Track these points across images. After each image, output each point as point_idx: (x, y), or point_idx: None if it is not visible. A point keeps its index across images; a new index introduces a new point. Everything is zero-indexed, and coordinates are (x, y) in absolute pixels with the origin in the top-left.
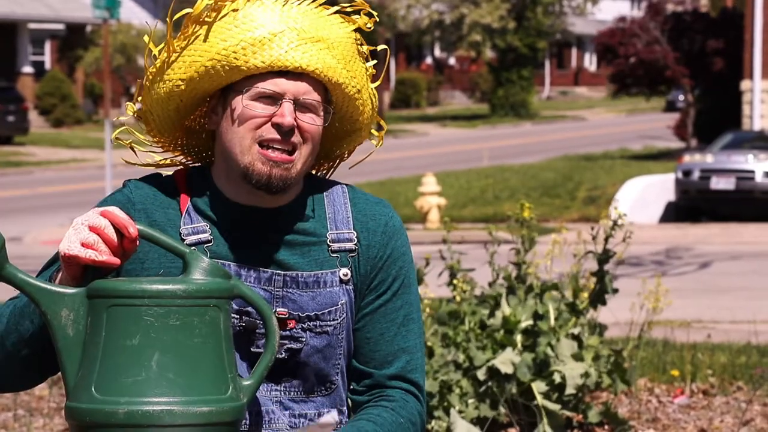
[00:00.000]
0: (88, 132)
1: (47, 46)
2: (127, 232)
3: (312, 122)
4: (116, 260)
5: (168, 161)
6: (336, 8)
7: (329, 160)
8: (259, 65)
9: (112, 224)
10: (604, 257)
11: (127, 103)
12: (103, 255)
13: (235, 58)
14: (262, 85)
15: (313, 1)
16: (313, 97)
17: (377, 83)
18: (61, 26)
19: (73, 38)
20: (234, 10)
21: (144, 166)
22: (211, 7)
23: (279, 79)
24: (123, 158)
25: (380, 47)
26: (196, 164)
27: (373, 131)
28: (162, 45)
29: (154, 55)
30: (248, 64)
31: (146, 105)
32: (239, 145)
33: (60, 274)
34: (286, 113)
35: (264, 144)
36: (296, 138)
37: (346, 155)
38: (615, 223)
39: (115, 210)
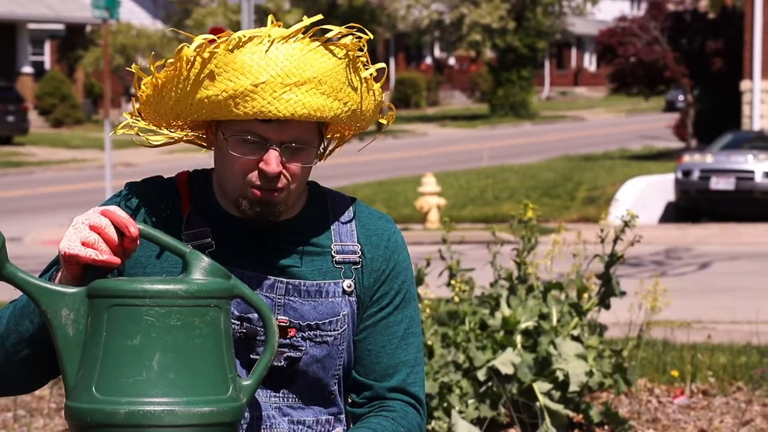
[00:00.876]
0: (88, 132)
1: (47, 46)
2: (128, 231)
3: (299, 166)
4: (117, 259)
5: (177, 139)
6: (324, 39)
7: (335, 139)
8: (242, 116)
9: (112, 223)
10: (612, 260)
11: (125, 113)
12: (103, 254)
13: (218, 108)
14: (247, 132)
15: (300, 38)
16: (301, 140)
17: (381, 82)
18: (60, 26)
19: (73, 38)
20: (215, 55)
21: (154, 146)
22: (194, 54)
23: (264, 125)
24: (134, 139)
25: (378, 66)
26: (197, 169)
27: (380, 118)
28: (149, 78)
29: (144, 82)
30: (231, 115)
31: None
32: (231, 181)
33: (60, 274)
34: (272, 162)
35: (254, 185)
36: (283, 181)
37: (348, 140)
38: (626, 224)
39: (115, 209)
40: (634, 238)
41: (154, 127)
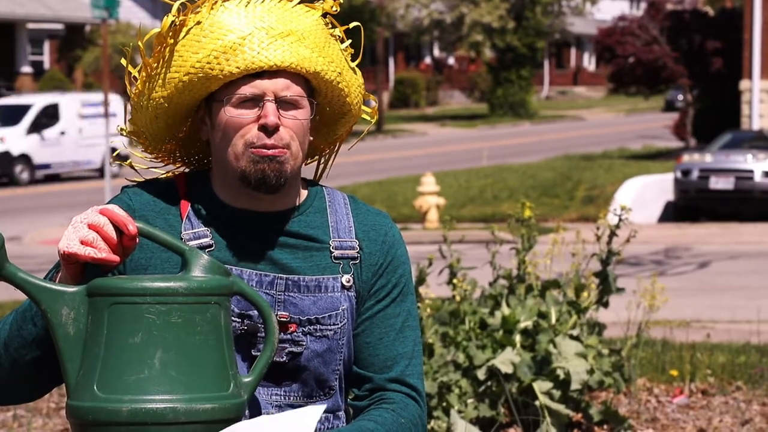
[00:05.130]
0: None
1: (46, 46)
2: (127, 229)
3: (296, 118)
4: (115, 258)
5: (171, 174)
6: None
7: (329, 145)
8: (234, 71)
9: (111, 222)
10: (608, 258)
11: (118, 125)
12: (102, 252)
13: (210, 69)
14: (241, 90)
15: None
16: (293, 92)
17: (357, 61)
18: (60, 26)
19: (72, 38)
20: (199, 22)
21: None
22: (177, 24)
23: (256, 80)
24: (127, 178)
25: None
26: (194, 169)
27: (365, 108)
28: (139, 66)
29: (134, 76)
30: (224, 72)
31: (137, 125)
32: (232, 152)
33: (60, 274)
34: (270, 113)
35: (255, 146)
36: (284, 135)
37: (344, 135)
38: (620, 219)
39: (114, 208)
40: (630, 234)
41: (146, 155)
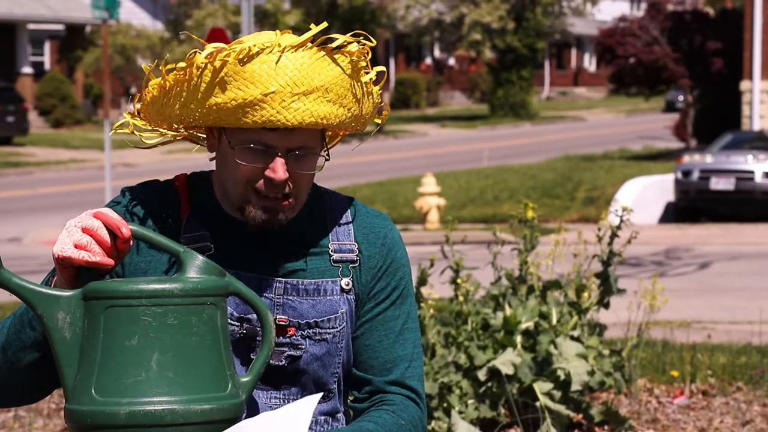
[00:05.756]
0: (88, 132)
1: (47, 47)
2: (120, 232)
3: (306, 171)
4: (110, 261)
5: (171, 136)
6: (330, 48)
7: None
8: (250, 125)
9: (104, 225)
10: (609, 258)
11: (125, 114)
12: (96, 256)
13: (226, 115)
14: (253, 139)
15: (308, 47)
16: (306, 147)
17: (380, 86)
18: (60, 27)
19: (73, 39)
20: (226, 63)
21: (148, 146)
22: (205, 61)
23: (271, 133)
24: (129, 141)
25: (377, 69)
26: (196, 170)
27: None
28: (157, 80)
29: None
30: (239, 123)
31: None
32: (234, 189)
33: (55, 279)
34: (279, 169)
35: (260, 194)
36: (290, 188)
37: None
38: (621, 219)
39: (107, 211)
40: (632, 235)
41: (150, 128)
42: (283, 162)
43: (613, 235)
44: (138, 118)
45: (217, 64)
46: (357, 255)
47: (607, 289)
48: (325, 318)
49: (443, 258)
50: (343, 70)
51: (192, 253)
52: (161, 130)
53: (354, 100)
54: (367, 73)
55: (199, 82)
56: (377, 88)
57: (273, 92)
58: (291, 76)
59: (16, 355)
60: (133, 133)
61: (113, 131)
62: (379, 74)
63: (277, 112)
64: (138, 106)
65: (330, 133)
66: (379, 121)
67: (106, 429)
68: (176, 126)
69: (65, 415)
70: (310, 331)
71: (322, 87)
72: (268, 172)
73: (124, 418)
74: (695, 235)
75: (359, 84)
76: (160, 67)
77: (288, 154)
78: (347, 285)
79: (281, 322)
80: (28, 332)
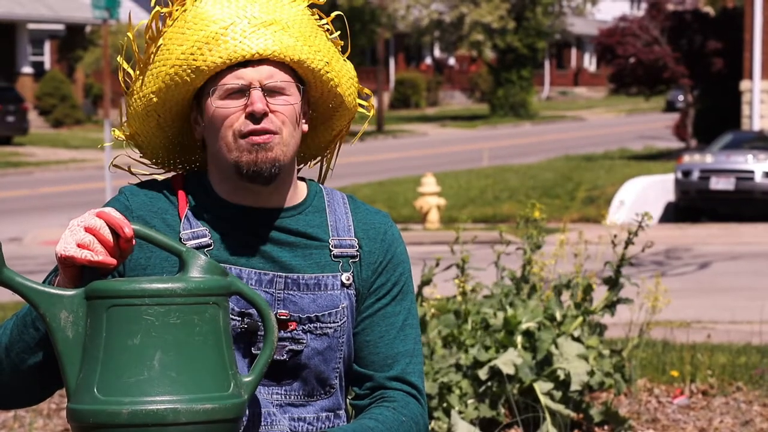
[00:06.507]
0: (88, 132)
1: (47, 47)
2: (122, 232)
3: (284, 104)
4: (112, 260)
5: (168, 169)
6: None
7: (329, 143)
8: (217, 61)
9: (107, 225)
10: (620, 264)
11: (113, 129)
12: (98, 255)
13: (194, 60)
14: (226, 81)
15: None
16: (279, 78)
17: (347, 54)
18: (60, 26)
19: (73, 38)
20: (183, 11)
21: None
22: (163, 16)
23: (241, 70)
24: (129, 182)
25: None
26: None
27: (360, 101)
28: (132, 61)
29: (128, 72)
30: (207, 63)
31: (132, 127)
32: (224, 144)
33: (58, 278)
34: (256, 100)
35: (245, 135)
36: (272, 122)
37: (344, 131)
38: (640, 225)
39: (110, 210)
40: (646, 244)
41: (146, 161)
42: (260, 94)
43: (628, 242)
44: (130, 144)
45: (175, 13)
46: (357, 250)
47: (616, 294)
48: (326, 312)
49: (448, 256)
50: (300, 9)
51: (194, 253)
52: (157, 174)
53: (321, 46)
54: (330, 32)
55: (164, 40)
56: (345, 55)
57: (231, 24)
58: (247, 10)
59: (20, 356)
60: (130, 172)
61: (111, 165)
62: (354, 48)
63: (240, 42)
64: (125, 127)
65: (333, 133)
66: (365, 110)
67: (109, 428)
68: (161, 115)
69: (67, 414)
70: (311, 325)
71: (281, 21)
72: (248, 108)
73: (127, 418)
74: (695, 234)
75: (324, 36)
76: (134, 51)
77: (263, 89)
78: (348, 280)
79: (282, 317)
80: (32, 332)
